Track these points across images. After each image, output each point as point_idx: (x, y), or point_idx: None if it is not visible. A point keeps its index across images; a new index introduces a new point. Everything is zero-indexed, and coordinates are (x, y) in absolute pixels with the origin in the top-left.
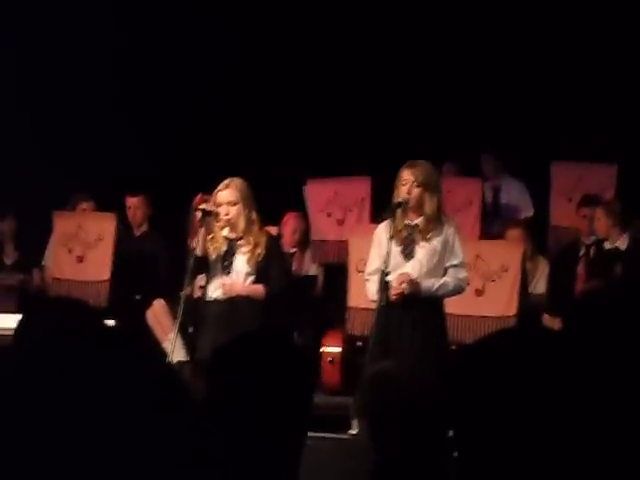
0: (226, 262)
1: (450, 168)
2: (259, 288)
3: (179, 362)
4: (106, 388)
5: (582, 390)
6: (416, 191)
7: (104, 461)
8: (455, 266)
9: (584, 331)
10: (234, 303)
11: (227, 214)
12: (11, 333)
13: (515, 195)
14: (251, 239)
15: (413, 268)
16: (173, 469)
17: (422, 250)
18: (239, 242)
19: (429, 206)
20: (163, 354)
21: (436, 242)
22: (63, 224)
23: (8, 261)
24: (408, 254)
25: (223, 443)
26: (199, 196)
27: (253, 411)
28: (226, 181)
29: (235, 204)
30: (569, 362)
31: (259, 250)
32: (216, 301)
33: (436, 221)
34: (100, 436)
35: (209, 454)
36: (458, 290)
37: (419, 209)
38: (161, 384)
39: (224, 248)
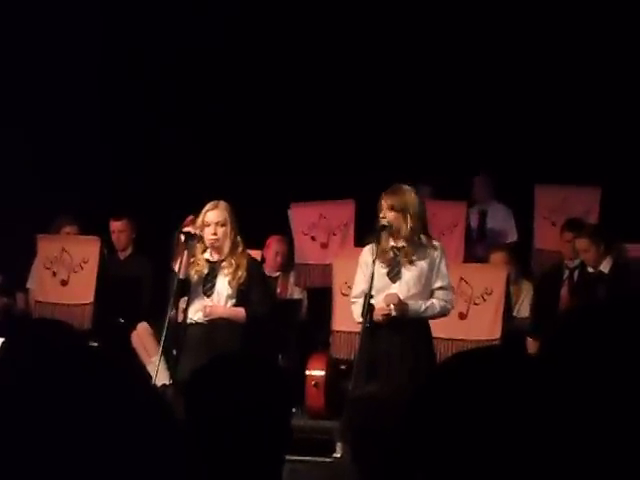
0: (208, 284)
1: (425, 191)
2: (240, 311)
3: (163, 385)
4: (90, 410)
5: (551, 413)
6: (390, 215)
7: None
8: (441, 288)
9: (558, 352)
10: (215, 326)
11: (215, 233)
12: None
13: (501, 220)
14: (233, 261)
15: (400, 290)
16: None
17: (409, 272)
18: (222, 264)
19: (404, 229)
20: (147, 377)
21: (423, 264)
22: (47, 247)
23: None
24: (394, 276)
25: (202, 466)
26: (190, 218)
27: (229, 432)
28: (213, 202)
29: (223, 225)
30: (535, 384)
31: (240, 272)
32: (197, 324)
33: (418, 243)
34: (83, 457)
35: (189, 476)
36: (444, 312)
37: (397, 233)
38: (145, 406)
39: (205, 270)
